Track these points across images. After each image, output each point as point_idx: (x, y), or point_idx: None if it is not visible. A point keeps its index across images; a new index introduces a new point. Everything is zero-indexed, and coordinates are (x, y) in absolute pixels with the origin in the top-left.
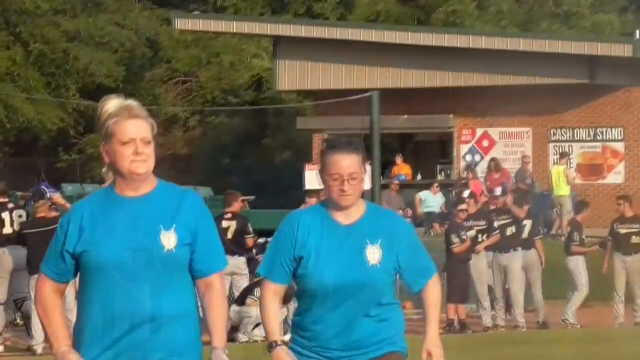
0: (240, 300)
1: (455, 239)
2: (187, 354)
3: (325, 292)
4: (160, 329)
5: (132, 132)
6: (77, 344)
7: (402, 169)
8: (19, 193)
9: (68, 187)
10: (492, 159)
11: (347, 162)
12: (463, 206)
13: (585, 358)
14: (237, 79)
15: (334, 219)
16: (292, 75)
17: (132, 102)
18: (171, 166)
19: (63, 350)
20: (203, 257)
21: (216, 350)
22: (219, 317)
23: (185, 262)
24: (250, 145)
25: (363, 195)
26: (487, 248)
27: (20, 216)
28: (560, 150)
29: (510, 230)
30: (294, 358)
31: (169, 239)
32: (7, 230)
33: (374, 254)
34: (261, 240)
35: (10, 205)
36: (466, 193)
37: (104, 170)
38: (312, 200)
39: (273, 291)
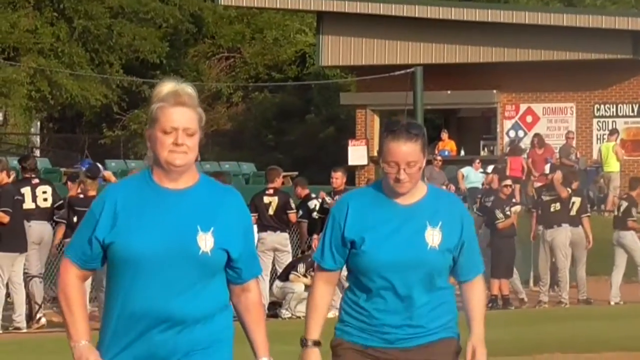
0: (284, 276)
1: (499, 214)
2: (213, 346)
3: (381, 272)
4: (185, 332)
5: (175, 121)
6: (100, 339)
7: (448, 145)
8: (63, 169)
9: (112, 164)
10: (536, 135)
11: (404, 149)
12: (507, 182)
13: (627, 334)
14: (281, 55)
15: (391, 199)
16: (336, 51)
17: (184, 89)
18: (215, 142)
19: (82, 347)
20: (240, 263)
21: None
22: (258, 322)
23: (221, 266)
24: (294, 121)
25: None
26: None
27: (44, 192)
28: (605, 127)
29: (554, 207)
30: None
31: (205, 241)
32: (29, 205)
33: (433, 236)
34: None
35: (35, 180)
36: (489, 169)
37: (147, 155)
38: (337, 175)
39: (325, 279)
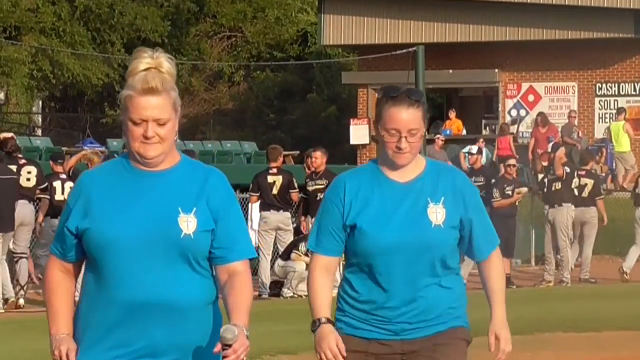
0: (285, 254)
1: (496, 193)
2: (208, 349)
3: (384, 255)
4: (176, 322)
5: (144, 113)
6: (78, 332)
7: (455, 124)
8: (64, 148)
9: (113, 143)
10: (540, 113)
11: (406, 116)
12: (511, 161)
13: (629, 313)
14: (283, 34)
15: (388, 177)
16: (338, 30)
17: (155, 75)
18: (216, 122)
19: (61, 337)
20: (225, 243)
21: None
22: (242, 299)
23: (204, 250)
24: (296, 100)
25: None
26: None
27: (29, 172)
28: (607, 105)
29: (555, 186)
30: (338, 337)
31: (187, 223)
32: (59, 197)
33: (437, 213)
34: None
35: (22, 161)
36: (474, 149)
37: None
38: (316, 155)
39: (324, 266)
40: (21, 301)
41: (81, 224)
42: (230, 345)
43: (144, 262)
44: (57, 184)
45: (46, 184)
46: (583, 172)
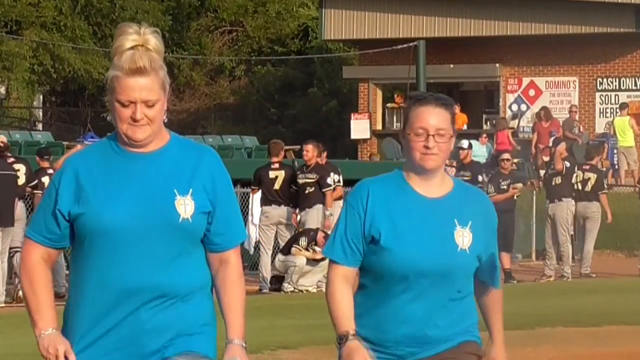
0: (286, 249)
1: (490, 188)
2: (199, 334)
3: (403, 277)
4: (170, 307)
5: (131, 94)
6: (68, 326)
7: (460, 119)
8: (65, 143)
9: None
10: (543, 108)
11: (434, 115)
12: (505, 155)
13: (630, 308)
14: (284, 28)
15: (414, 190)
16: (339, 25)
17: (142, 54)
18: (217, 116)
19: (49, 335)
20: (222, 228)
21: (233, 345)
22: (235, 300)
23: (201, 234)
24: (297, 94)
25: None
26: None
27: (17, 170)
28: (607, 100)
29: (555, 181)
30: (371, 354)
31: (185, 206)
32: None
33: (464, 237)
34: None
35: (10, 159)
36: (465, 143)
37: (108, 118)
38: (308, 148)
39: (342, 276)
40: (21, 293)
41: (74, 209)
42: None
43: (141, 248)
44: (45, 180)
45: (36, 180)
46: (587, 167)
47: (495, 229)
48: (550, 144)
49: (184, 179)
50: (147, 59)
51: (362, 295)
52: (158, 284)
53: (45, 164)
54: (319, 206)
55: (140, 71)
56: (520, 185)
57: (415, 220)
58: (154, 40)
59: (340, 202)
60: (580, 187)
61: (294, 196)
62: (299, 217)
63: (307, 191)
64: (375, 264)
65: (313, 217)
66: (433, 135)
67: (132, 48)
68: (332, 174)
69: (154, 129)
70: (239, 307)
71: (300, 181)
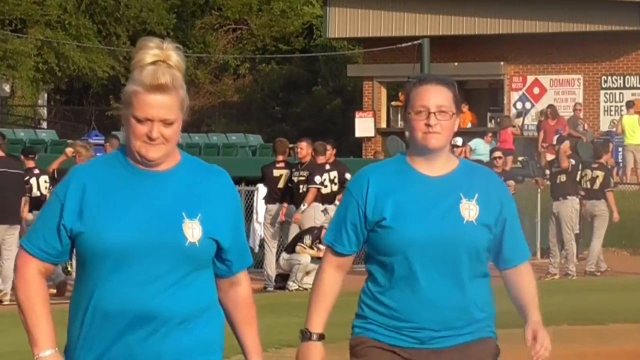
0: (290, 248)
1: None
2: (197, 356)
3: (410, 253)
4: (171, 337)
5: (150, 112)
6: (67, 346)
7: (468, 117)
8: (69, 141)
9: (119, 136)
10: (550, 106)
11: (435, 93)
12: (497, 153)
13: (634, 306)
14: (288, 27)
15: (418, 170)
16: (343, 23)
17: (165, 72)
18: (222, 114)
19: (48, 357)
20: (233, 255)
21: None
22: (249, 324)
23: (209, 259)
24: (301, 93)
25: None
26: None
27: (46, 181)
28: (612, 98)
29: (559, 179)
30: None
31: (192, 230)
32: (35, 193)
33: (469, 210)
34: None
35: (37, 170)
36: (459, 141)
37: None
38: (302, 145)
39: (335, 264)
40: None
41: (75, 226)
42: None
43: (144, 272)
44: (32, 181)
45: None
46: (596, 165)
47: (512, 204)
48: (555, 142)
49: (193, 202)
50: (169, 76)
51: (372, 282)
52: (163, 309)
53: (31, 164)
54: (315, 204)
55: (162, 88)
56: (512, 182)
57: (418, 198)
58: (175, 57)
59: None
60: (588, 186)
61: (289, 194)
62: (293, 214)
63: (301, 189)
64: (381, 244)
65: (309, 215)
66: (434, 113)
67: (153, 63)
68: (320, 173)
69: (169, 148)
70: (253, 328)
71: (295, 179)
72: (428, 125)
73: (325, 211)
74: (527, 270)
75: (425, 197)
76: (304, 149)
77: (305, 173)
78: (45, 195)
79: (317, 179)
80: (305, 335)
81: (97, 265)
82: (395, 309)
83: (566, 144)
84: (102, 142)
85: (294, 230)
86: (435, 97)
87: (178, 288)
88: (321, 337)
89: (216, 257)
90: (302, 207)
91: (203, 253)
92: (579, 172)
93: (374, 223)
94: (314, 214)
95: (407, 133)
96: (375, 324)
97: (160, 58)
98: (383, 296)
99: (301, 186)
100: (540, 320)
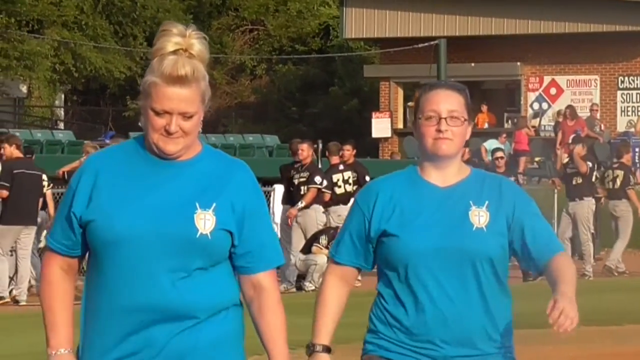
0: (306, 249)
1: None
2: (213, 355)
3: (418, 264)
4: (188, 331)
5: (168, 104)
6: (81, 342)
7: (487, 118)
8: (86, 142)
9: (135, 136)
10: (568, 106)
11: (445, 98)
12: (499, 154)
13: None
14: (305, 27)
15: (427, 180)
16: (359, 23)
17: (185, 63)
18: (238, 115)
19: (60, 356)
20: (251, 248)
21: None
22: (277, 331)
23: (224, 252)
24: (317, 93)
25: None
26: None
27: (44, 180)
28: (629, 99)
29: (576, 180)
30: None
31: (204, 221)
32: None
33: (479, 216)
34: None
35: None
36: None
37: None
38: (303, 147)
39: (338, 275)
40: (14, 292)
41: (85, 214)
42: None
43: (155, 263)
44: None
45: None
46: (616, 165)
47: (528, 204)
48: (570, 141)
49: (209, 192)
50: (190, 67)
51: (382, 295)
52: (174, 303)
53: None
54: (316, 206)
55: (181, 80)
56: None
57: (426, 209)
58: (198, 45)
59: None
60: (610, 186)
61: (289, 196)
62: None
63: (302, 191)
64: (389, 256)
65: (311, 216)
66: (445, 119)
67: (174, 52)
68: (321, 173)
69: (187, 142)
70: (280, 337)
71: (296, 181)
72: (439, 131)
73: (326, 212)
74: (563, 257)
75: (434, 207)
76: (305, 150)
77: (305, 174)
78: (44, 194)
79: (318, 179)
80: (310, 349)
81: (106, 257)
82: (407, 324)
83: (579, 147)
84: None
85: (296, 233)
86: (446, 102)
87: (193, 283)
88: (326, 349)
89: (235, 253)
90: (300, 205)
91: (216, 245)
92: (595, 173)
93: (379, 234)
94: (316, 216)
95: (416, 139)
96: (386, 339)
97: (182, 47)
98: (394, 310)
99: (302, 187)
100: (571, 294)
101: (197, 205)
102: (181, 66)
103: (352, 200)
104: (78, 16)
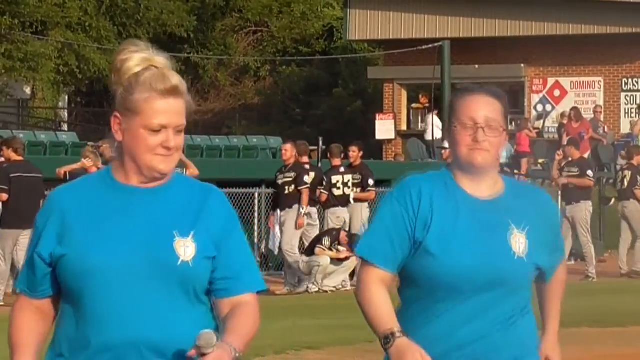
0: (309, 250)
1: None
2: None
3: (452, 288)
4: None
5: (165, 118)
6: None
7: None
8: (90, 143)
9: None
10: (573, 108)
11: (484, 105)
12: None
13: None
14: (309, 29)
15: (463, 189)
16: (363, 25)
17: (167, 69)
18: (242, 116)
19: None
20: (229, 272)
21: (226, 346)
22: (242, 324)
23: (204, 281)
24: (321, 95)
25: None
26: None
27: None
28: (633, 101)
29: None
30: (422, 350)
31: (185, 249)
32: None
33: (520, 243)
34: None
35: None
36: (447, 143)
37: (109, 146)
38: (286, 147)
39: (379, 278)
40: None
41: (56, 250)
42: (204, 355)
43: (134, 296)
44: None
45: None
46: (626, 166)
47: (557, 222)
48: (565, 143)
49: (186, 219)
50: (177, 77)
51: (406, 312)
52: (156, 337)
53: None
54: (297, 206)
55: (175, 91)
56: None
57: (466, 224)
58: (163, 59)
59: (366, 205)
60: (620, 187)
61: (274, 197)
62: (277, 218)
63: (286, 191)
64: (420, 272)
65: (292, 217)
66: (483, 128)
67: (146, 69)
68: (308, 173)
69: (176, 160)
70: (244, 329)
71: (280, 181)
72: (475, 140)
73: (308, 215)
74: (561, 271)
75: (473, 223)
76: (288, 150)
77: (290, 175)
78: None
79: (306, 178)
80: (388, 339)
81: (82, 291)
82: (429, 350)
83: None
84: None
85: (290, 233)
86: (485, 110)
87: (174, 316)
88: (402, 332)
89: (214, 278)
90: (302, 211)
91: (197, 273)
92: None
93: (418, 243)
94: (296, 217)
95: (450, 146)
96: None
97: (150, 62)
98: (416, 332)
99: (286, 187)
100: (556, 335)
101: (175, 233)
102: (170, 76)
103: (351, 202)
104: (82, 18)
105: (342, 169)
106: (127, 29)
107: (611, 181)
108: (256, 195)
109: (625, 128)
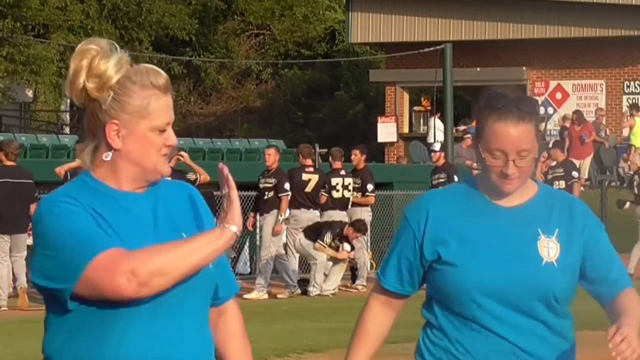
0: (313, 235)
1: None
2: None
3: (479, 295)
4: None
5: (169, 115)
6: None
7: None
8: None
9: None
10: (576, 111)
11: (515, 134)
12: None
13: None
14: (310, 32)
15: (489, 198)
16: (365, 28)
17: (152, 66)
18: (244, 119)
19: None
20: (223, 279)
21: None
22: (246, 350)
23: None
24: (323, 98)
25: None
26: None
27: None
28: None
29: (557, 185)
30: None
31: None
32: None
33: (549, 248)
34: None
35: None
36: (437, 146)
37: (103, 156)
38: (269, 152)
39: (382, 300)
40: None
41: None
42: None
43: (167, 310)
44: None
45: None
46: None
47: (600, 233)
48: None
49: (190, 220)
50: (162, 72)
51: (436, 328)
52: (191, 356)
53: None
54: (275, 211)
55: (169, 84)
56: None
57: (487, 232)
58: (125, 56)
59: (368, 209)
60: (637, 191)
61: (255, 201)
62: (258, 222)
63: (266, 196)
64: (444, 285)
65: (269, 223)
66: (513, 160)
67: (118, 67)
68: (289, 177)
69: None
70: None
71: (261, 185)
72: (505, 174)
73: (286, 220)
74: (630, 294)
75: (496, 230)
76: (272, 155)
77: (271, 180)
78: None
79: (287, 186)
80: None
81: (93, 311)
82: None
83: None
84: None
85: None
86: (516, 140)
87: (203, 330)
88: None
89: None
90: (280, 218)
91: (214, 279)
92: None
93: (432, 260)
94: (273, 222)
95: (437, 148)
96: None
97: (154, 68)
98: (446, 347)
99: (266, 193)
100: (635, 326)
101: (183, 235)
102: (159, 71)
103: (349, 205)
104: (84, 21)
105: (342, 172)
106: (128, 32)
107: (613, 184)
108: None
109: (627, 131)
